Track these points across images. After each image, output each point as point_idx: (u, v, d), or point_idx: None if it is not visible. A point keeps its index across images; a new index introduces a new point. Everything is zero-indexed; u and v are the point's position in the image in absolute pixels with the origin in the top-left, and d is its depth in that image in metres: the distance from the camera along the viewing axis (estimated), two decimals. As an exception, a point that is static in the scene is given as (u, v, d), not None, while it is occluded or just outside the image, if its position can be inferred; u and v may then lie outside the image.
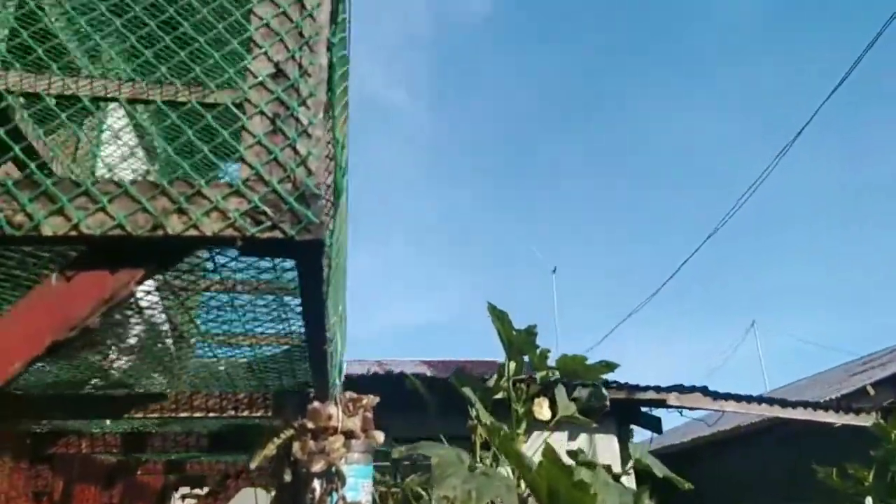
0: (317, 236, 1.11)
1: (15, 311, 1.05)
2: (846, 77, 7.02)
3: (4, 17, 2.42)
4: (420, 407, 3.64)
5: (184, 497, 5.31)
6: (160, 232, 1.07)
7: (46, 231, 1.04)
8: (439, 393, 3.63)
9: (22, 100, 2.53)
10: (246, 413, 2.39)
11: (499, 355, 3.59)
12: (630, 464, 3.37)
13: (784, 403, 8.24)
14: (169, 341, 1.93)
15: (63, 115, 1.65)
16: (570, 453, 3.47)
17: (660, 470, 3.35)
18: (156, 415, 2.33)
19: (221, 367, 2.12)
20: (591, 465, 3.23)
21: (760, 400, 8.19)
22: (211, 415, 2.36)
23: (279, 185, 1.13)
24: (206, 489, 4.83)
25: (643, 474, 3.48)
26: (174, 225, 1.08)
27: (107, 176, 3.27)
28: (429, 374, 12.02)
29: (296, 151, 1.16)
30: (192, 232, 1.08)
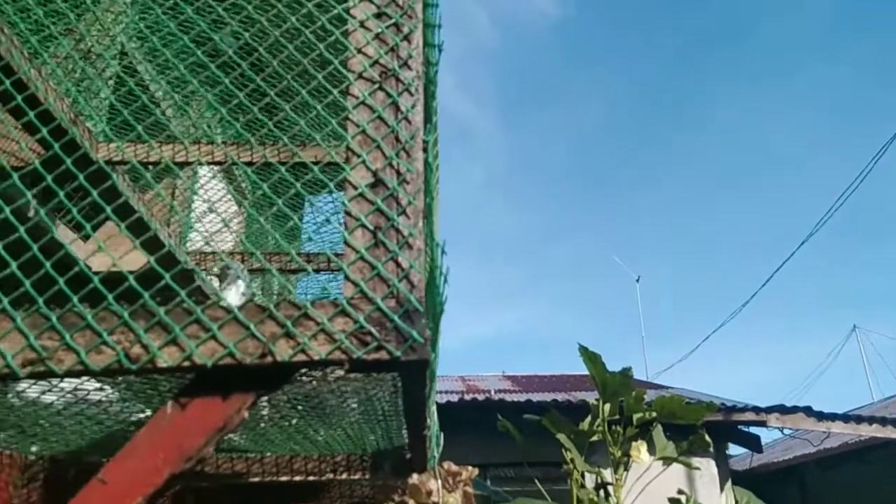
0: (422, 356, 1.08)
1: (134, 444, 1.07)
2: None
3: (105, 94, 2.53)
4: (525, 434, 3.58)
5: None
6: (269, 359, 1.06)
7: (161, 363, 1.06)
8: (532, 415, 3.56)
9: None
10: (345, 475, 2.40)
11: (584, 368, 3.47)
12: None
13: (898, 423, 7.67)
14: (265, 412, 1.96)
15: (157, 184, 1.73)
16: (673, 501, 3.33)
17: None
18: (257, 479, 2.37)
19: (320, 437, 2.13)
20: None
21: (871, 420, 7.65)
22: (310, 478, 2.39)
23: (383, 301, 1.10)
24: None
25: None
26: (282, 351, 1.07)
27: (198, 225, 3.38)
28: (512, 390, 11.91)
29: (398, 265, 1.14)
30: (300, 357, 1.07)
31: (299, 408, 1.70)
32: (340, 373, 1.54)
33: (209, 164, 2.16)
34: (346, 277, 1.13)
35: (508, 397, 9.65)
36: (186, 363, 1.06)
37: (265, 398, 1.76)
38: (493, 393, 10.53)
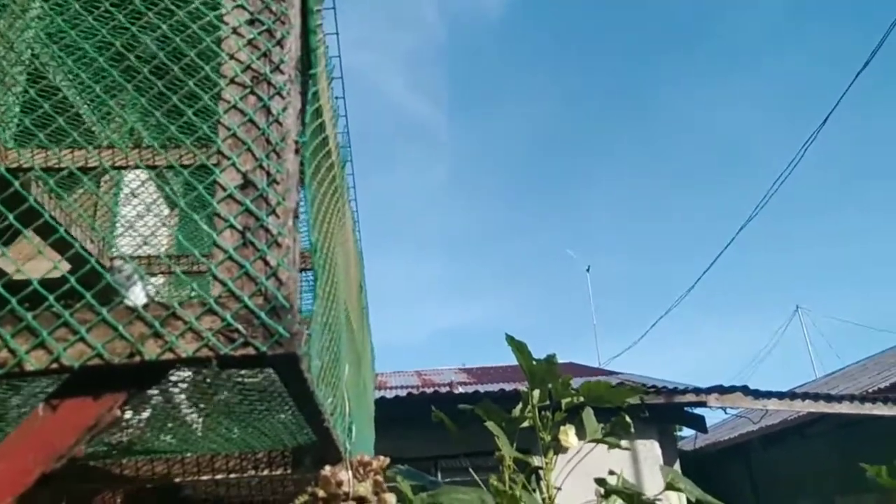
0: (289, 350, 1.13)
1: (4, 447, 1.09)
2: (867, 64, 6.82)
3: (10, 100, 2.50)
4: (461, 423, 3.65)
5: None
6: (137, 359, 1.10)
7: (28, 367, 1.08)
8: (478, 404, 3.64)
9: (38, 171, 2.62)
10: (266, 471, 2.44)
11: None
12: (662, 490, 3.32)
13: (829, 398, 8.02)
14: (185, 412, 1.98)
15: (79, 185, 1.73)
16: (599, 481, 3.44)
17: (692, 493, 3.30)
18: (179, 479, 2.39)
19: (235, 435, 2.16)
20: (623, 495, 3.19)
21: (804, 396, 7.98)
22: (232, 475, 2.41)
23: (250, 299, 1.15)
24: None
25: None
26: (150, 350, 1.11)
27: (126, 234, 3.36)
28: (467, 382, 12.03)
29: (266, 263, 1.19)
30: (168, 356, 1.11)
31: (201, 406, 1.73)
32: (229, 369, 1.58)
33: (114, 168, 2.16)
34: (214, 277, 1.17)
35: (461, 389, 9.75)
36: (54, 366, 1.09)
37: (159, 397, 1.78)
38: (450, 385, 10.62)
